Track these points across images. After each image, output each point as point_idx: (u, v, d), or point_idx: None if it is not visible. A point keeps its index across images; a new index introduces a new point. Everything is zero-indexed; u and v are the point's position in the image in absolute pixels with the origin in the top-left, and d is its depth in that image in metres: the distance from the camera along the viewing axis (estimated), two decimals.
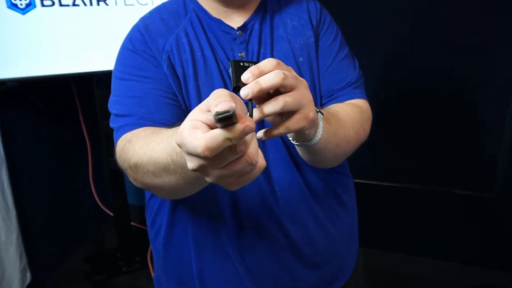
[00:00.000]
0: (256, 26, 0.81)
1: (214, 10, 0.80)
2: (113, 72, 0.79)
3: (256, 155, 0.43)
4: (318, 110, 0.64)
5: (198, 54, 0.77)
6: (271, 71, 0.52)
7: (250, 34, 0.80)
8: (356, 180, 0.96)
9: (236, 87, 0.51)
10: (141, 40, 0.77)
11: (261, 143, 0.78)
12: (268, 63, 0.53)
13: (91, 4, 1.47)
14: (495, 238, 1.70)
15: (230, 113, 0.38)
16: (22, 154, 1.74)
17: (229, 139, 0.40)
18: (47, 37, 1.44)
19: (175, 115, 0.74)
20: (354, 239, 0.97)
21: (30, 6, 1.39)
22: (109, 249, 2.09)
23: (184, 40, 0.77)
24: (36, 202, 1.84)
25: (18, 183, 1.69)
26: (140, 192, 2.30)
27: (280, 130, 0.56)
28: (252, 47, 0.79)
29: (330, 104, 0.83)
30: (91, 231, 2.18)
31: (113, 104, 0.77)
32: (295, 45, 0.81)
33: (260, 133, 0.58)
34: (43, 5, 1.41)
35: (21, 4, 1.38)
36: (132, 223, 2.06)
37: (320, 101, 0.82)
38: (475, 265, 1.74)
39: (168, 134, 0.61)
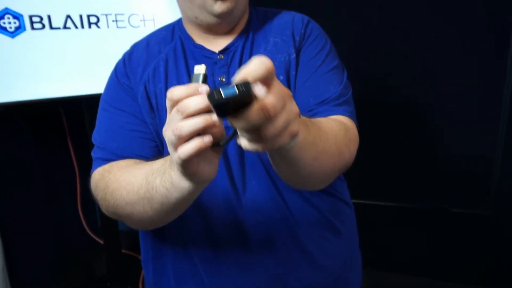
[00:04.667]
0: (239, 48, 0.80)
1: (198, 36, 0.82)
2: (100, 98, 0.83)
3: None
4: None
5: (173, 83, 0.78)
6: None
7: (233, 56, 0.80)
8: (353, 201, 0.93)
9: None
10: (122, 71, 0.81)
11: (240, 165, 0.76)
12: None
13: (82, 26, 1.45)
14: (492, 256, 1.70)
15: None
16: (7, 181, 1.68)
17: None
18: (36, 60, 1.41)
19: (145, 149, 0.76)
20: (354, 268, 0.91)
21: (19, 29, 1.37)
22: (99, 278, 2.02)
23: (161, 69, 0.79)
24: (22, 231, 1.77)
25: (3, 212, 1.62)
26: None
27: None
28: (233, 70, 0.78)
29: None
30: (80, 259, 2.10)
31: (94, 134, 0.81)
32: (275, 63, 0.75)
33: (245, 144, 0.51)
34: (33, 28, 1.38)
35: (10, 28, 1.35)
36: (123, 250, 2.00)
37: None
38: (472, 284, 1.73)
39: (150, 166, 0.64)
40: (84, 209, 1.94)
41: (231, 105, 0.43)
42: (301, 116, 0.58)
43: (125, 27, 1.51)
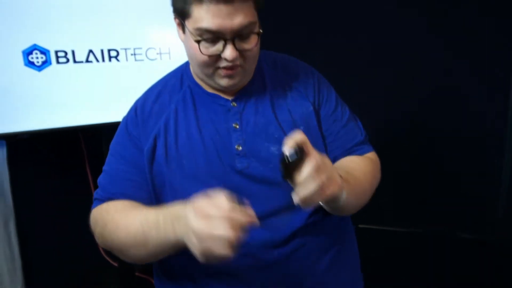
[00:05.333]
0: (252, 98, 0.84)
1: (209, 85, 0.85)
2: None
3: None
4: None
5: (183, 134, 0.82)
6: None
7: (245, 105, 0.84)
8: (361, 225, 0.99)
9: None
10: (133, 121, 0.86)
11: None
12: (309, 170, 0.64)
13: (103, 60, 1.55)
14: (499, 282, 1.69)
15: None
16: (29, 205, 1.76)
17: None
18: (60, 91, 1.52)
19: (138, 198, 0.81)
20: None
21: (46, 63, 1.48)
22: None
23: (172, 122, 0.83)
24: (41, 253, 1.83)
25: (24, 235, 1.69)
26: None
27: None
28: (247, 117, 0.83)
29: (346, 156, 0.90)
30: (95, 282, 2.15)
31: (100, 176, 0.88)
32: (296, 116, 0.85)
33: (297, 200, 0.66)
34: (58, 62, 1.49)
35: (38, 62, 1.46)
36: (136, 273, 2.03)
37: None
38: None
39: (145, 215, 0.73)
40: None
41: (292, 166, 0.62)
42: (342, 176, 0.74)
43: (142, 60, 1.61)
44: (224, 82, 0.79)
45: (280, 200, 0.75)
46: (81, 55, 1.52)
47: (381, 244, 1.77)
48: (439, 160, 1.70)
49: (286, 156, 0.62)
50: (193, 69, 0.86)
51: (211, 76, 0.79)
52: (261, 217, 0.65)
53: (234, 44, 0.73)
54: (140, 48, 1.60)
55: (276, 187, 0.78)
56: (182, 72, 0.90)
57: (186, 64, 0.91)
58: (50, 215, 1.90)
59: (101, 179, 0.87)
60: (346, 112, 0.93)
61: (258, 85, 0.86)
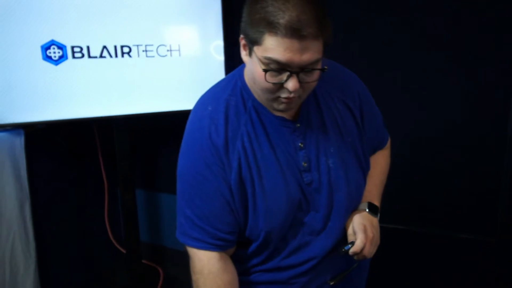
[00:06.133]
0: (309, 115, 0.90)
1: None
2: (181, 169, 0.90)
3: None
4: (375, 216, 0.96)
5: (259, 155, 0.86)
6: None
7: (306, 124, 0.90)
8: None
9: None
10: (212, 151, 0.84)
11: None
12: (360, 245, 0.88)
13: (116, 56, 1.63)
14: (498, 282, 1.70)
15: None
16: (45, 191, 1.86)
17: None
18: (75, 85, 1.60)
19: (232, 225, 0.88)
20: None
21: (62, 58, 1.56)
22: (120, 286, 2.14)
23: (248, 145, 0.85)
24: (54, 237, 1.93)
25: (39, 218, 1.79)
26: (152, 230, 2.37)
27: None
28: (309, 136, 0.90)
29: (377, 151, 1.07)
30: (103, 267, 2.24)
31: (180, 212, 0.91)
32: (342, 127, 0.92)
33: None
34: (74, 57, 1.58)
35: (55, 57, 1.55)
36: (143, 261, 2.12)
37: (367, 163, 0.99)
38: None
39: None
40: (110, 220, 2.09)
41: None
42: (376, 195, 1.01)
43: (153, 56, 1.68)
44: (281, 107, 0.82)
45: (338, 201, 0.91)
46: (95, 51, 1.60)
47: (383, 241, 1.80)
48: (439, 160, 1.71)
49: (345, 249, 0.90)
50: (253, 90, 0.87)
51: (270, 100, 0.82)
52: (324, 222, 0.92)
53: (298, 77, 0.75)
54: (152, 45, 1.67)
55: (334, 194, 0.91)
56: (241, 88, 0.89)
57: (242, 80, 0.90)
58: (64, 201, 2.00)
59: (187, 215, 0.89)
60: (375, 107, 1.04)
61: (312, 103, 0.91)
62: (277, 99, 0.81)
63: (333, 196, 0.91)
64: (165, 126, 2.07)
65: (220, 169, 0.85)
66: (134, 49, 1.65)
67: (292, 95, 0.78)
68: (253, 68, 0.80)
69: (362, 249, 0.88)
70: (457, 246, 1.76)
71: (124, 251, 2.05)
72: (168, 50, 1.70)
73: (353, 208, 0.96)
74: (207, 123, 0.86)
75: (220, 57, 1.78)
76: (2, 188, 1.64)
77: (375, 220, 0.95)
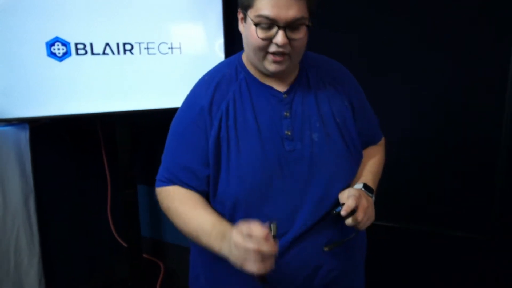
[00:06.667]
0: (299, 91, 0.99)
1: (262, 77, 0.98)
2: (172, 125, 1.02)
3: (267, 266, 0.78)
4: (371, 196, 0.98)
5: (240, 120, 0.94)
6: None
7: (294, 96, 0.98)
8: None
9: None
10: (198, 110, 0.96)
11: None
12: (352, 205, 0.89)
13: (118, 53, 1.67)
14: (490, 280, 1.72)
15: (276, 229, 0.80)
16: (49, 185, 1.90)
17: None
18: (79, 81, 1.64)
19: (196, 184, 0.96)
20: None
21: (66, 54, 1.60)
22: (120, 280, 2.18)
23: (231, 106, 0.95)
24: (57, 230, 1.98)
25: (43, 211, 1.84)
26: (153, 225, 2.41)
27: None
28: (295, 107, 0.97)
29: (370, 146, 1.12)
30: (105, 260, 2.28)
31: (164, 154, 1.01)
32: (334, 108, 0.99)
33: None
34: (77, 53, 1.62)
35: (59, 53, 1.59)
36: (144, 255, 2.15)
37: (357, 149, 1.03)
38: None
39: (202, 224, 0.91)
40: (112, 214, 2.14)
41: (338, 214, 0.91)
42: (370, 180, 1.02)
43: (155, 54, 1.72)
44: (272, 67, 0.91)
45: (317, 177, 0.94)
46: (98, 48, 1.64)
47: (380, 239, 1.82)
48: (435, 159, 1.73)
49: (336, 211, 0.92)
50: (247, 56, 0.96)
51: (261, 60, 0.91)
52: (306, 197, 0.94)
53: (285, 32, 0.86)
54: (153, 43, 1.71)
55: (315, 167, 0.95)
56: (237, 64, 1.01)
57: (239, 57, 1.02)
58: (67, 195, 2.04)
59: (167, 162, 1.00)
60: (367, 101, 1.11)
61: (303, 81, 1.00)
62: (267, 56, 0.90)
63: (314, 170, 0.94)
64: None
65: (202, 125, 0.95)
66: (136, 46, 1.69)
67: (281, 49, 0.87)
68: (247, 32, 0.91)
69: (354, 212, 0.90)
70: (453, 244, 1.77)
71: (125, 245, 2.09)
72: (169, 48, 1.74)
73: (335, 187, 0.97)
74: (199, 89, 0.99)
75: (221, 55, 1.82)
76: (7, 181, 1.68)
77: (370, 199, 0.97)
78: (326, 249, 0.95)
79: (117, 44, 1.66)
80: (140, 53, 1.70)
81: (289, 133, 0.95)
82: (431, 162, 1.75)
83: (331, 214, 0.93)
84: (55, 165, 1.97)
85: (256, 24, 0.86)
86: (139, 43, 1.69)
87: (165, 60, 1.74)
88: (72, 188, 2.06)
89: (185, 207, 0.95)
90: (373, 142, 1.13)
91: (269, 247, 0.76)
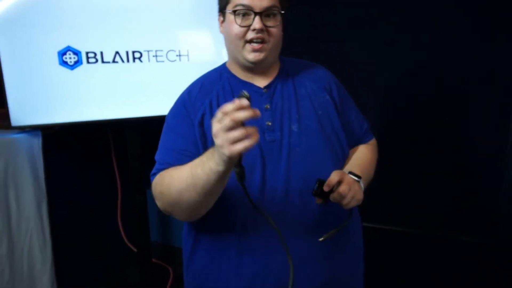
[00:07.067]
0: (279, 86, 1.05)
1: (244, 76, 1.05)
2: (165, 121, 1.05)
3: (250, 131, 0.72)
4: (357, 180, 0.98)
5: None
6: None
7: (274, 91, 1.04)
8: (364, 224, 1.10)
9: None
10: (181, 105, 1.03)
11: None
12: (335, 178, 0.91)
13: (128, 61, 1.71)
14: (498, 285, 1.70)
15: (248, 95, 0.74)
16: (61, 190, 1.94)
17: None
18: (89, 88, 1.69)
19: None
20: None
21: (78, 63, 1.65)
22: (130, 284, 2.20)
23: (215, 103, 1.01)
24: (69, 235, 2.01)
25: (55, 217, 1.87)
26: (162, 230, 2.44)
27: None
28: (276, 101, 1.03)
29: (358, 145, 1.14)
30: (115, 265, 2.31)
31: (157, 153, 1.03)
32: (315, 102, 1.05)
33: None
34: (88, 62, 1.66)
35: (71, 62, 1.64)
36: (153, 260, 2.18)
37: (340, 143, 1.05)
38: None
39: (191, 163, 0.87)
40: (123, 219, 2.16)
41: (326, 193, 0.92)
42: (359, 171, 1.00)
43: (163, 61, 1.76)
44: (251, 56, 0.98)
45: (296, 167, 0.97)
46: (108, 56, 1.68)
47: (382, 243, 1.82)
48: (440, 162, 1.73)
49: (314, 189, 0.93)
50: (229, 51, 1.04)
51: (241, 51, 0.98)
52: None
53: (261, 18, 0.95)
54: (161, 50, 1.75)
55: (294, 157, 0.98)
56: (221, 69, 1.09)
57: (224, 64, 1.11)
58: (78, 200, 2.08)
59: (158, 155, 1.02)
60: (353, 103, 1.15)
61: (283, 78, 1.06)
62: (246, 46, 0.97)
63: (291, 159, 0.97)
64: None
65: (187, 117, 1.00)
66: (145, 54, 1.73)
67: (259, 34, 0.95)
68: (227, 27, 1.00)
69: (338, 186, 0.91)
70: (457, 249, 1.76)
71: (135, 250, 2.11)
72: (177, 55, 1.78)
73: (313, 176, 0.96)
74: (187, 90, 1.07)
75: None
76: (21, 187, 1.72)
77: (357, 183, 0.98)
78: (321, 239, 0.95)
79: (127, 52, 1.70)
80: (149, 60, 1.74)
81: (270, 124, 0.99)
82: (435, 165, 1.75)
83: (312, 194, 0.93)
84: (67, 171, 2.01)
85: (234, 12, 0.95)
86: (148, 51, 1.73)
87: (173, 67, 1.77)
88: (83, 194, 2.10)
89: (177, 169, 0.93)
90: (361, 140, 1.15)
91: (244, 111, 0.71)
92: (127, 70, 1.72)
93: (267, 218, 0.86)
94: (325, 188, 0.91)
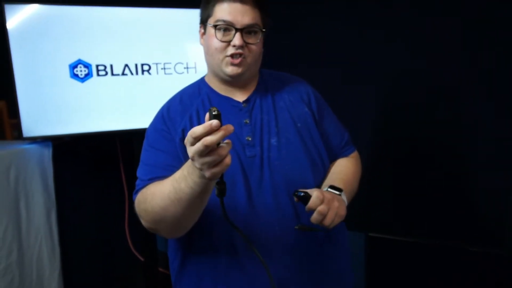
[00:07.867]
0: (258, 100, 1.05)
1: (223, 90, 1.05)
2: (145, 138, 1.04)
3: (225, 153, 0.70)
4: (338, 194, 0.95)
5: None
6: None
7: (253, 105, 1.04)
8: (371, 234, 1.10)
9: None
10: (161, 121, 1.02)
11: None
12: (316, 202, 0.87)
13: (137, 73, 1.75)
14: None
15: (217, 113, 0.69)
16: (69, 199, 1.97)
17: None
18: (99, 100, 1.73)
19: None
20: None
21: (88, 75, 1.69)
22: None
23: (195, 118, 1.00)
24: (77, 243, 2.04)
25: (64, 225, 1.90)
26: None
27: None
28: (255, 115, 1.03)
29: (339, 158, 1.12)
30: (122, 273, 2.33)
31: (138, 169, 1.01)
32: (294, 114, 1.05)
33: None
34: (98, 74, 1.70)
35: (81, 74, 1.68)
36: (160, 269, 2.19)
37: (320, 155, 1.04)
38: None
39: (172, 177, 0.85)
40: (130, 228, 2.18)
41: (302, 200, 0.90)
42: (341, 185, 0.98)
43: (171, 74, 1.80)
44: (229, 69, 0.97)
45: (279, 177, 0.97)
46: (118, 69, 1.73)
47: (389, 253, 1.82)
48: (448, 173, 1.73)
49: (297, 195, 0.91)
50: (208, 64, 1.04)
51: (220, 64, 0.98)
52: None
53: (242, 35, 0.95)
54: (170, 63, 1.79)
55: (275, 171, 0.97)
56: (199, 84, 1.09)
57: (202, 78, 1.11)
58: (87, 209, 2.11)
59: (140, 172, 0.99)
60: (334, 116, 1.15)
61: (262, 92, 1.06)
62: (225, 59, 0.97)
63: (273, 173, 0.97)
64: None
65: (167, 134, 0.99)
66: (153, 67, 1.77)
67: (238, 50, 0.95)
68: (207, 40, 0.99)
69: (318, 206, 0.88)
70: (464, 258, 1.75)
71: (142, 259, 2.13)
72: (185, 68, 1.81)
73: (294, 188, 0.96)
74: (165, 105, 1.06)
75: None
76: (31, 196, 1.75)
77: (338, 197, 0.95)
78: (296, 227, 0.94)
79: (136, 65, 1.74)
80: (157, 73, 1.77)
81: (250, 139, 0.99)
82: (444, 176, 1.75)
83: (294, 196, 0.92)
84: (76, 180, 2.04)
85: (216, 26, 0.95)
86: (156, 64, 1.77)
87: (181, 79, 1.81)
88: (92, 203, 2.13)
89: (158, 184, 0.90)
90: (341, 153, 1.14)
91: (215, 134, 0.68)
92: (136, 83, 1.76)
93: (242, 235, 0.85)
94: (307, 208, 0.89)
